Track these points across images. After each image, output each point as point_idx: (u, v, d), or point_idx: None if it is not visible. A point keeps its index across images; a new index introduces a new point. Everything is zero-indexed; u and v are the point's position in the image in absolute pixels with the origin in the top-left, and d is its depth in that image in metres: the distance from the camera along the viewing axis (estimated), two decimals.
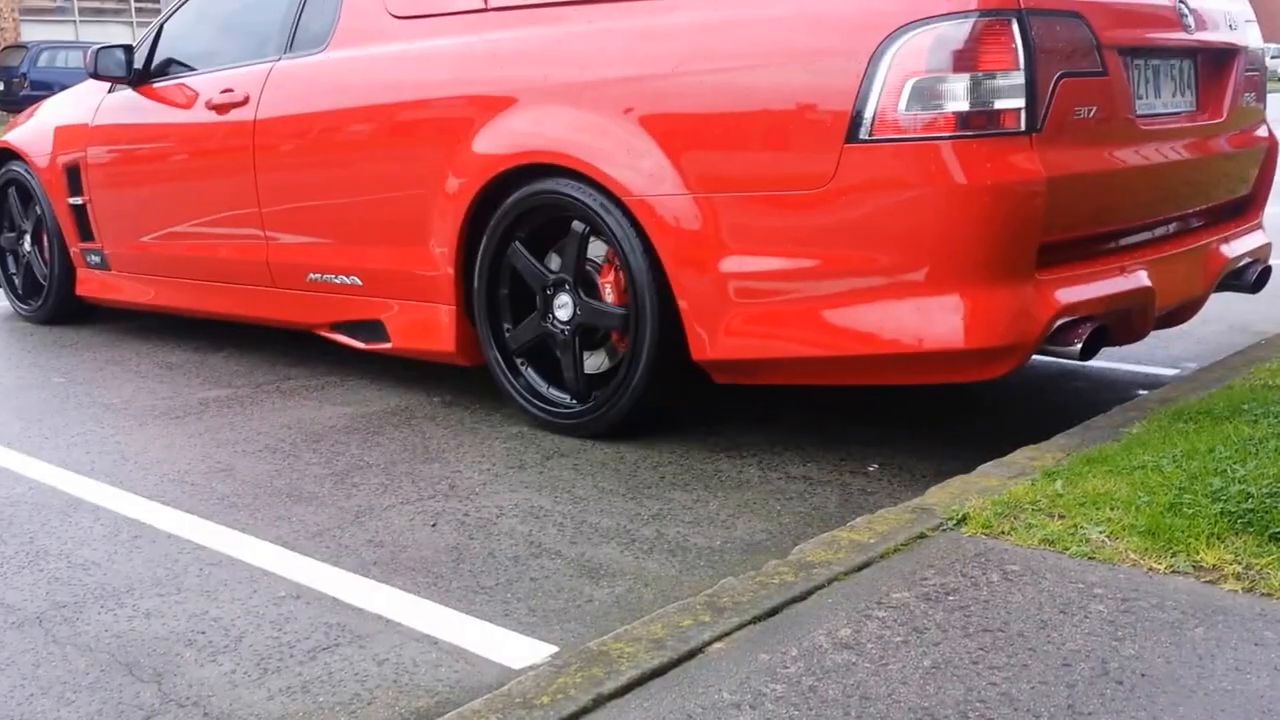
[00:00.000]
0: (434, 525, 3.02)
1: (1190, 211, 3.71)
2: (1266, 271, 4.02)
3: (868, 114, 2.99)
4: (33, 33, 30.46)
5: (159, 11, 24.93)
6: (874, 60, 2.97)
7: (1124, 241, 3.41)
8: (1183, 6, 3.50)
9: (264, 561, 2.81)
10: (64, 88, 21.95)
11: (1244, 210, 4.07)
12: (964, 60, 2.90)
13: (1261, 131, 4.06)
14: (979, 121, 2.93)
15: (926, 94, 2.93)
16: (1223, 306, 4.67)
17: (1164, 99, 3.51)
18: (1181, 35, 3.48)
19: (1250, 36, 3.94)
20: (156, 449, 3.76)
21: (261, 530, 3.03)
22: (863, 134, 3.00)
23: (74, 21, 31.92)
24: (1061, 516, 2.45)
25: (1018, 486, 2.62)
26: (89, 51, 5.16)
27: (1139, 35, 3.32)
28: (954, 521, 2.47)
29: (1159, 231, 3.57)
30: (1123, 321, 3.35)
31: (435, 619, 2.48)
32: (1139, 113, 3.36)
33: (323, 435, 3.85)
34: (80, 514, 3.19)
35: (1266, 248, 4.11)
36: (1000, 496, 2.57)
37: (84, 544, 2.97)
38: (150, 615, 2.54)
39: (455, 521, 3.05)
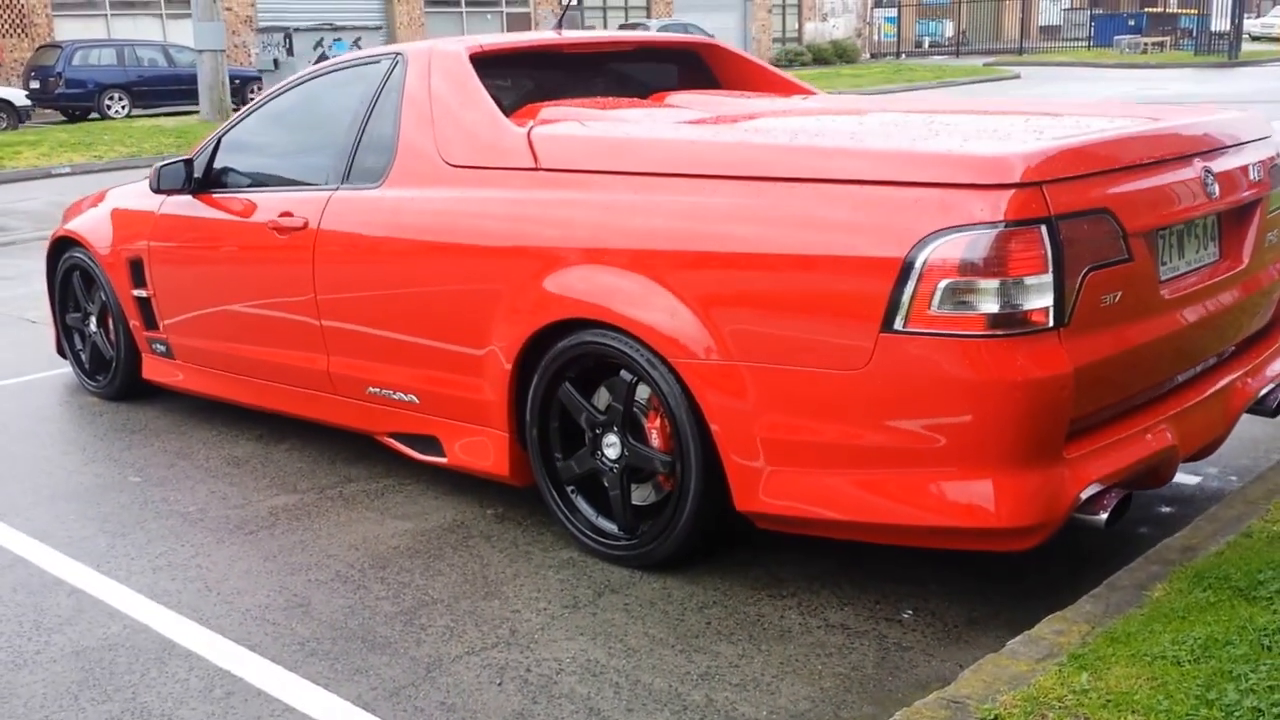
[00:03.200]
0: (499, 684, 3.27)
1: (1214, 358, 3.90)
2: None
3: (902, 308, 3.19)
4: (64, 27, 30.73)
5: (188, 3, 25.11)
6: (909, 259, 3.17)
7: (1147, 401, 3.60)
8: (1208, 175, 3.67)
9: None
10: (97, 85, 22.47)
11: (1266, 335, 4.25)
12: (994, 266, 3.10)
13: None
14: (1008, 321, 3.13)
15: (958, 295, 3.13)
16: None
17: (1187, 258, 3.69)
18: (1206, 203, 3.66)
19: (1277, 177, 4.09)
20: (235, 576, 4.02)
21: (343, 686, 3.29)
22: (898, 325, 3.21)
23: (105, 15, 32.10)
24: None
25: (1045, 678, 2.85)
26: (152, 169, 5.40)
27: (1165, 215, 3.50)
28: None
29: (1182, 381, 3.76)
30: (1147, 475, 3.56)
31: None
32: (1163, 278, 3.55)
33: (388, 560, 4.10)
34: (174, 662, 3.46)
35: None
36: (1028, 691, 2.80)
37: (182, 703, 3.23)
38: None
39: (519, 679, 3.29)
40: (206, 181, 5.34)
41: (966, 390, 3.17)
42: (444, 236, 4.25)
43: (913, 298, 3.17)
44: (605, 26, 41.36)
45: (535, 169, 4.06)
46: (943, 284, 3.13)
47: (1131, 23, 45.66)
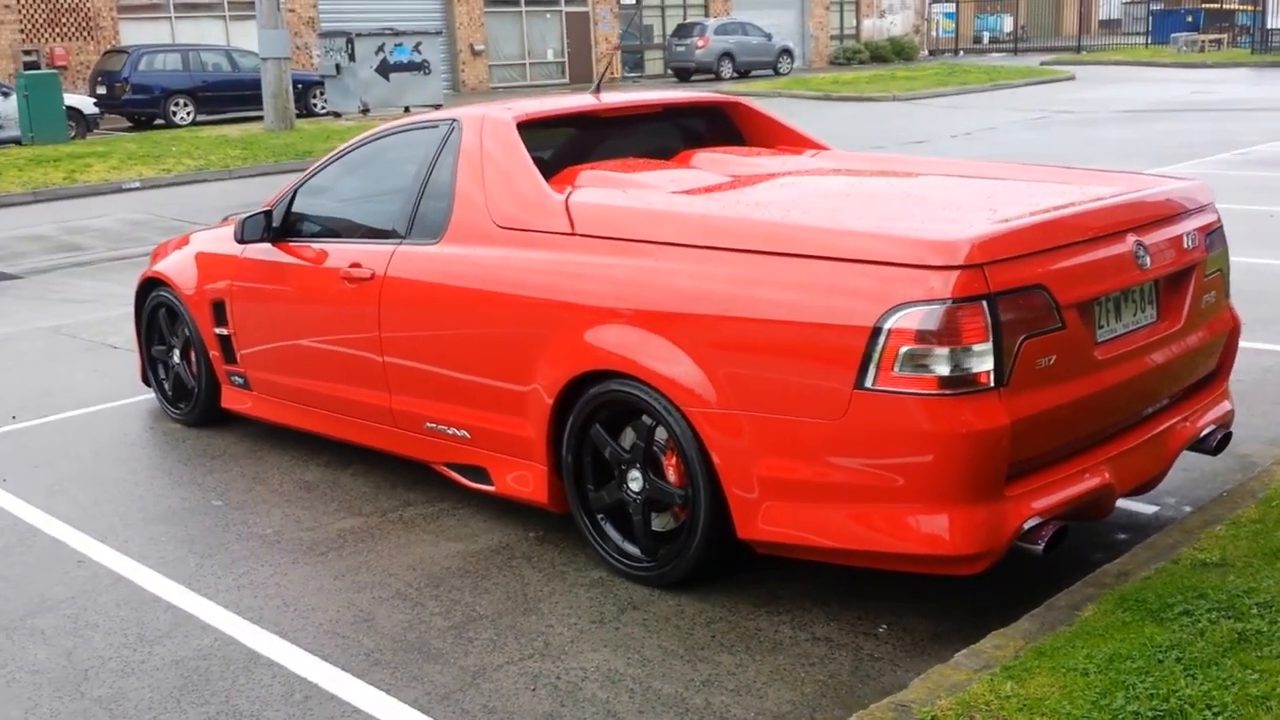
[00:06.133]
0: (534, 690, 3.90)
1: (1153, 407, 4.45)
2: (1228, 437, 4.73)
3: (871, 369, 3.79)
4: (129, 30, 31.66)
5: (252, 4, 25.93)
6: (876, 328, 3.77)
7: (1087, 445, 4.16)
8: (1140, 248, 4.21)
9: None
10: (163, 91, 23.19)
11: (1209, 382, 4.78)
12: (944, 336, 3.69)
13: (1223, 318, 4.77)
14: (956, 382, 3.72)
15: (916, 359, 3.73)
16: None
17: (1125, 320, 4.24)
18: (1139, 274, 4.21)
19: (1213, 242, 4.63)
20: (309, 593, 4.68)
21: (402, 691, 3.93)
22: (868, 384, 3.81)
23: (169, 18, 33.02)
24: None
25: (978, 685, 3.44)
26: (237, 222, 6.09)
27: (1097, 289, 4.06)
28: None
29: (1121, 427, 4.31)
30: (1087, 508, 4.12)
31: None
32: (1099, 340, 4.11)
33: (441, 579, 4.75)
34: (260, 670, 4.12)
35: (1230, 414, 4.82)
36: (963, 696, 3.39)
37: (268, 705, 3.89)
38: None
39: (550, 685, 3.92)
40: (283, 230, 6.02)
41: (923, 439, 3.77)
42: (493, 288, 4.90)
43: (879, 360, 3.77)
44: (664, 25, 41.88)
45: (571, 234, 4.69)
46: (903, 349, 3.73)
47: (1189, 19, 45.66)
